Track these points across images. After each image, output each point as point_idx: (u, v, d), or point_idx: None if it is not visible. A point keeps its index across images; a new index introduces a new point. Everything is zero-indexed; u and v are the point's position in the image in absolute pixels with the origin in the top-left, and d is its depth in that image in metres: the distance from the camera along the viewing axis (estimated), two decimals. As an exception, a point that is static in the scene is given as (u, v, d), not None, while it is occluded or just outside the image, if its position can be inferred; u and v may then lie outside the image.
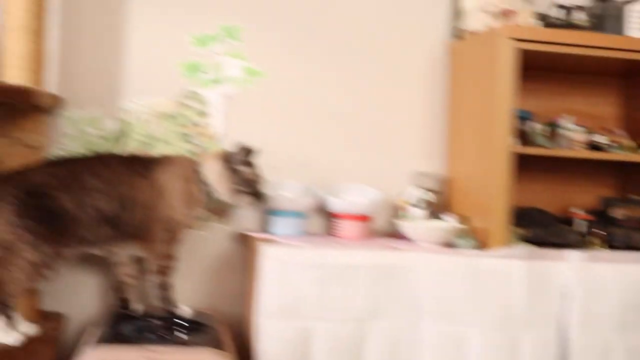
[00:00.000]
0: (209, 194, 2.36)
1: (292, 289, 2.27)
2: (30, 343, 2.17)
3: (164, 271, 2.33)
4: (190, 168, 2.35)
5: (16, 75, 2.30)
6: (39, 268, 2.09)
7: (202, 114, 2.70)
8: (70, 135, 2.59)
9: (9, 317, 2.09)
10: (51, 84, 2.52)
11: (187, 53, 2.69)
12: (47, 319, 2.44)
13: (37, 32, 2.34)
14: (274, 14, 2.76)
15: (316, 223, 2.78)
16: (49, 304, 2.57)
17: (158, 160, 2.33)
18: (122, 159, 2.31)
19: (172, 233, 2.31)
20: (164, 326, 2.30)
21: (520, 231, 2.56)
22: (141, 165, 2.29)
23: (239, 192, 2.37)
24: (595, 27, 2.73)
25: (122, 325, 2.33)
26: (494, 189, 2.47)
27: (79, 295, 2.62)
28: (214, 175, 2.36)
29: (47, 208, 2.11)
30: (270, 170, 2.52)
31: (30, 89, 2.21)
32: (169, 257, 2.33)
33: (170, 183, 2.29)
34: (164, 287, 2.34)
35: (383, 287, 2.31)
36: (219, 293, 2.73)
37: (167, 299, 2.35)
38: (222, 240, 2.72)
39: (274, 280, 2.25)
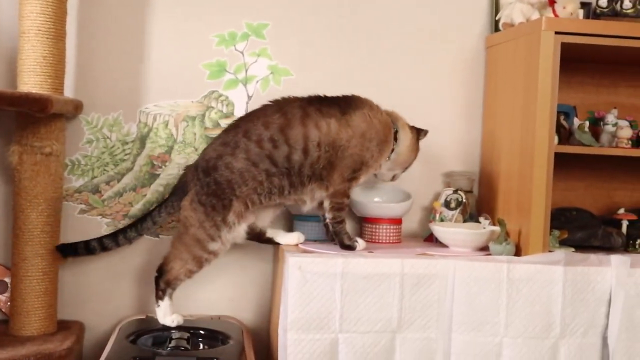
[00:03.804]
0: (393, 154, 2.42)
1: (318, 299, 2.17)
2: (48, 354, 2.14)
3: (339, 208, 2.34)
4: (388, 121, 2.39)
5: (32, 81, 2.25)
6: (204, 245, 2.26)
7: (227, 115, 2.62)
8: (90, 140, 2.54)
9: (169, 299, 2.31)
10: (69, 88, 2.46)
11: (210, 53, 2.61)
12: (66, 328, 2.41)
13: (54, 35, 2.27)
14: (301, 10, 2.66)
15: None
16: (68, 313, 2.54)
17: (357, 103, 2.35)
18: (305, 104, 2.32)
19: (357, 172, 2.33)
20: (184, 339, 2.24)
21: (560, 234, 2.43)
22: (335, 106, 2.32)
23: (407, 167, 2.49)
24: (643, 15, 2.57)
25: (141, 337, 2.29)
26: (533, 189, 2.33)
27: (98, 303, 2.58)
28: (405, 140, 2.42)
29: (216, 181, 2.25)
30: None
31: (47, 98, 2.14)
32: (346, 195, 2.35)
33: (366, 125, 2.32)
34: (338, 222, 2.35)
35: (413, 297, 2.21)
36: (247, 300, 2.66)
37: (341, 233, 2.35)
38: (254, 245, 2.64)
39: (299, 290, 2.16)
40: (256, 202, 2.28)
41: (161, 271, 2.31)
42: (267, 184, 2.26)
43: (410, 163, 2.49)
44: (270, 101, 2.35)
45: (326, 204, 2.34)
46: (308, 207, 2.37)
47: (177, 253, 2.29)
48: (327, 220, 2.36)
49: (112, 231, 2.40)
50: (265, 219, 2.44)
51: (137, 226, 2.35)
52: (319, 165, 2.27)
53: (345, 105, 2.33)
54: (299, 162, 2.26)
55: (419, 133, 2.48)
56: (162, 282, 2.30)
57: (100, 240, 2.35)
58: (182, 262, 2.28)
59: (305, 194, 2.32)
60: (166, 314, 2.31)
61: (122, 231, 2.36)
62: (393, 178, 2.51)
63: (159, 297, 2.30)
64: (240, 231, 2.31)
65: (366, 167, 2.35)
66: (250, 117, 2.33)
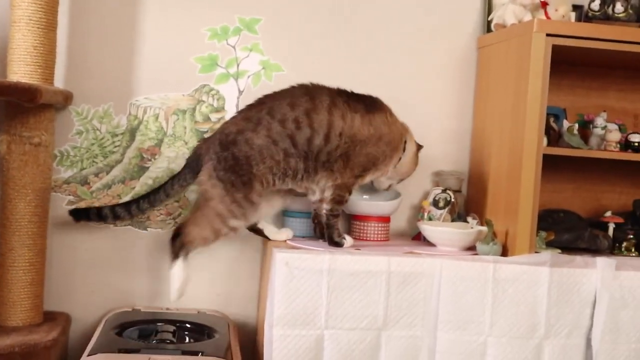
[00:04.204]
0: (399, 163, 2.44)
1: (304, 295, 2.17)
2: (33, 344, 2.14)
3: (340, 200, 2.35)
4: (401, 130, 2.43)
5: (22, 70, 2.24)
6: (224, 219, 2.24)
7: (217, 109, 2.61)
8: (79, 132, 2.54)
9: (184, 259, 2.28)
10: (59, 79, 2.46)
11: (202, 46, 2.60)
12: (52, 319, 2.40)
13: (45, 25, 2.27)
14: (294, 6, 2.66)
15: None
16: (55, 304, 2.54)
17: (380, 106, 2.39)
18: (334, 94, 2.34)
19: (366, 171, 2.36)
20: (170, 332, 2.24)
21: (547, 235, 2.44)
22: (361, 103, 2.35)
23: (403, 179, 2.52)
24: (634, 19, 2.57)
25: (127, 330, 2.28)
26: (521, 190, 2.34)
27: (85, 295, 2.58)
28: (409, 152, 2.45)
29: (234, 156, 2.23)
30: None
31: (36, 88, 2.13)
32: (349, 190, 2.36)
33: (386, 128, 2.36)
34: (335, 215, 2.36)
35: (399, 295, 2.22)
36: (234, 295, 2.66)
37: (333, 227, 2.36)
38: (242, 240, 2.65)
39: (285, 286, 2.16)
40: (270, 182, 2.28)
41: (177, 234, 2.29)
42: (284, 164, 2.26)
43: (409, 175, 2.52)
44: (298, 84, 2.36)
45: (328, 194, 2.35)
46: (316, 197, 2.38)
47: (196, 220, 2.28)
48: (324, 212, 2.36)
49: (125, 201, 2.39)
50: (275, 206, 2.45)
51: (150, 198, 2.34)
52: (335, 154, 2.29)
53: (370, 104, 2.36)
54: (318, 147, 2.27)
55: (418, 148, 2.50)
56: (178, 242, 2.28)
57: (112, 208, 2.35)
58: (200, 229, 2.26)
59: (315, 183, 2.33)
60: (180, 277, 2.27)
61: (135, 201, 2.35)
62: (388, 187, 2.53)
63: (175, 255, 2.27)
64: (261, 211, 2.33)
65: (375, 168, 2.37)
66: (276, 96, 2.33)
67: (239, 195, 2.24)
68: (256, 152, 2.24)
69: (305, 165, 2.28)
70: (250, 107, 2.33)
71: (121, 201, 2.47)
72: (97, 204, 2.51)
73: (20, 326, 2.29)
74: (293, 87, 2.35)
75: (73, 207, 2.40)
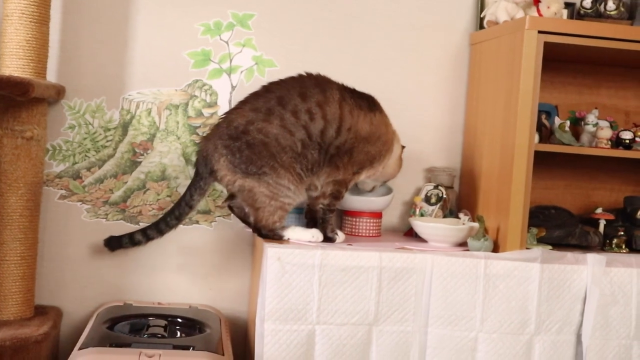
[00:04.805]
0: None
1: (296, 290, 2.18)
2: (25, 338, 2.14)
3: (337, 196, 2.36)
4: (392, 132, 2.44)
5: (14, 64, 2.24)
6: (276, 198, 2.24)
7: (210, 105, 2.61)
8: (72, 126, 2.53)
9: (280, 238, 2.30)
10: (52, 73, 2.46)
11: (195, 42, 2.60)
12: (44, 313, 2.41)
13: (38, 19, 2.27)
14: (287, 1, 2.66)
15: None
16: (46, 298, 2.54)
17: (378, 106, 2.39)
18: (341, 88, 2.34)
19: (362, 169, 2.36)
20: (161, 326, 2.24)
21: (538, 232, 2.46)
22: (364, 101, 2.35)
23: (387, 180, 2.54)
24: (626, 17, 2.58)
25: (119, 324, 2.28)
26: (512, 187, 2.35)
27: (76, 289, 2.58)
28: (396, 153, 2.45)
29: (248, 143, 2.20)
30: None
31: (28, 82, 2.12)
32: (347, 186, 2.37)
33: (384, 129, 2.38)
34: (330, 210, 2.37)
35: (390, 290, 2.22)
36: (225, 290, 2.67)
37: (327, 222, 2.36)
38: (233, 235, 2.65)
39: (277, 281, 2.16)
40: (302, 175, 2.26)
41: (258, 230, 2.30)
42: (302, 157, 2.25)
43: (394, 176, 2.52)
44: (306, 73, 2.34)
45: (327, 189, 2.34)
46: (318, 193, 2.36)
47: (256, 208, 2.27)
48: (320, 207, 2.36)
49: (153, 221, 2.38)
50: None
51: (176, 212, 2.33)
52: (343, 148, 2.29)
53: (371, 103, 2.37)
54: (330, 139, 2.26)
55: (402, 149, 2.51)
56: (265, 233, 2.29)
57: (144, 231, 2.36)
58: (266, 212, 2.26)
59: (318, 178, 2.33)
60: (300, 233, 2.30)
61: (163, 220, 2.34)
62: (372, 189, 2.54)
63: (279, 237, 2.29)
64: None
65: (371, 167, 2.38)
66: (283, 84, 2.30)
67: (272, 181, 2.22)
68: (273, 140, 2.20)
69: (318, 157, 2.27)
70: (256, 97, 2.28)
71: (150, 223, 2.41)
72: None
73: (12, 320, 2.30)
74: (301, 76, 2.33)
75: (107, 237, 2.41)
